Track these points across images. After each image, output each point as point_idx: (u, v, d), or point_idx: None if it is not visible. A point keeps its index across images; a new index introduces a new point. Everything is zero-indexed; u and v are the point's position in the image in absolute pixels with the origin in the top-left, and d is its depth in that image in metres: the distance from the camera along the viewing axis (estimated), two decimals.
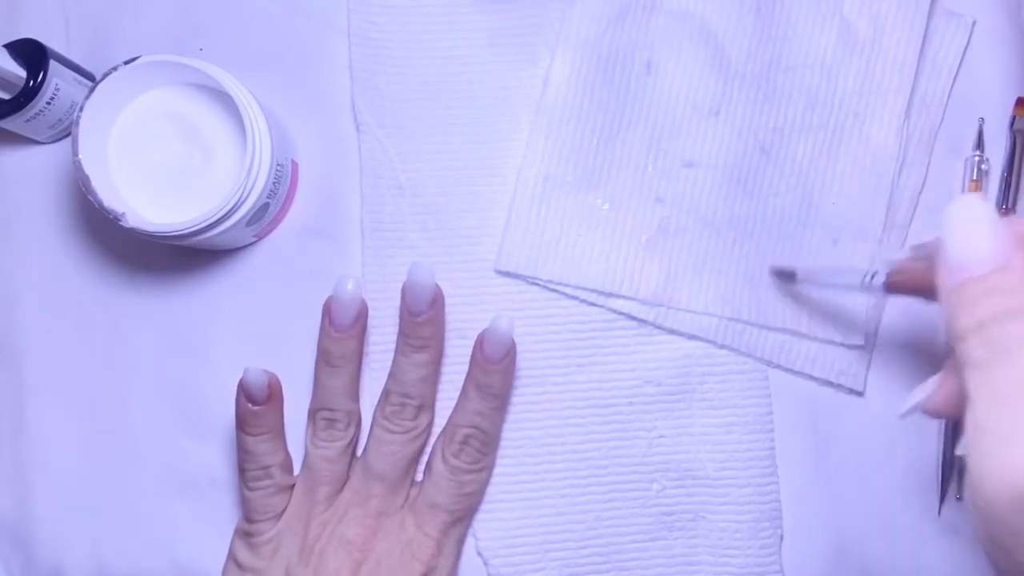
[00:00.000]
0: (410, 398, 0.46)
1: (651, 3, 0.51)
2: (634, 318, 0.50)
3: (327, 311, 0.46)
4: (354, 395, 0.47)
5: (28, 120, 0.48)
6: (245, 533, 0.47)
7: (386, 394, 0.47)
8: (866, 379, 0.50)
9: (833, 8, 0.51)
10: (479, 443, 0.47)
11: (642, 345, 0.50)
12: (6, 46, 0.47)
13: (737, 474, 0.49)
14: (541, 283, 0.50)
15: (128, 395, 0.50)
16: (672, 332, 0.50)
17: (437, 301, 0.46)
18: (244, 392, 0.46)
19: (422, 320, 0.46)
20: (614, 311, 0.50)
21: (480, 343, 0.47)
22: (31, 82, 0.47)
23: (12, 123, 0.48)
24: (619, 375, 0.49)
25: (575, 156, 0.51)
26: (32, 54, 0.47)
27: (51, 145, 0.52)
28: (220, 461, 0.50)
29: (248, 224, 0.47)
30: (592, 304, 0.50)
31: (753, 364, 0.50)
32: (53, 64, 0.48)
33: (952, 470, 0.49)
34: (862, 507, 0.49)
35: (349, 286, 0.46)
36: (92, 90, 0.45)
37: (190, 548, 0.49)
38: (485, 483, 0.48)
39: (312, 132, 0.51)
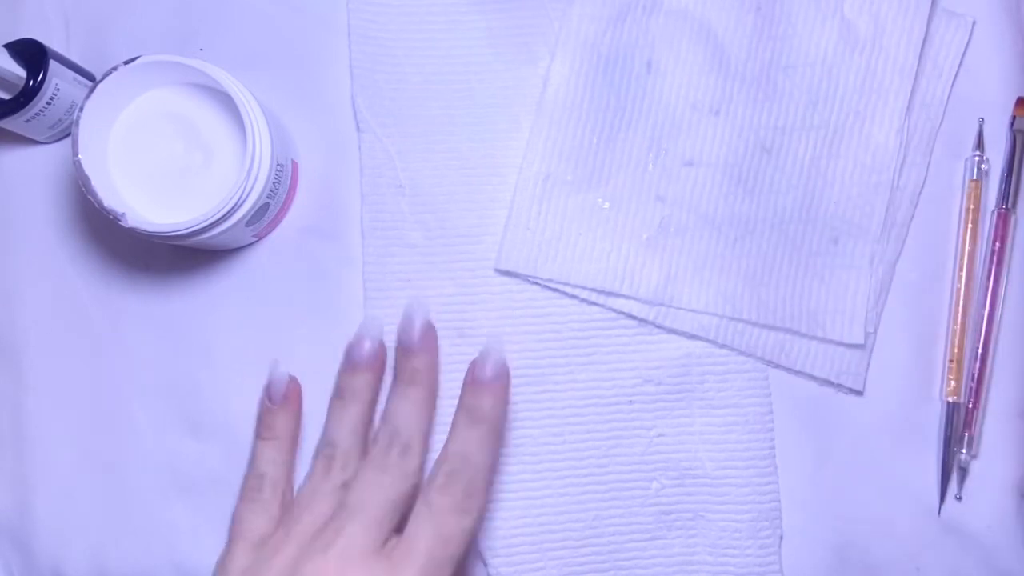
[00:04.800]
0: (399, 434, 0.43)
1: (651, 2, 0.51)
2: (634, 317, 0.50)
3: (347, 348, 0.46)
4: (361, 435, 0.45)
5: (28, 120, 0.48)
6: (229, 544, 0.44)
7: (378, 430, 0.44)
8: (866, 379, 0.50)
9: (833, 7, 0.51)
10: (467, 478, 0.41)
11: (642, 344, 0.50)
12: (6, 46, 0.47)
13: (737, 473, 0.49)
14: (541, 282, 0.50)
15: (128, 395, 0.50)
16: (672, 331, 0.50)
17: (429, 335, 0.46)
18: (265, 388, 0.46)
19: (413, 352, 0.45)
20: (614, 310, 0.50)
21: (471, 365, 0.44)
22: (31, 82, 0.47)
23: (12, 123, 0.48)
24: (619, 374, 0.49)
25: (575, 155, 0.51)
26: (32, 54, 0.47)
27: (51, 145, 0.52)
28: (220, 461, 0.50)
29: (248, 224, 0.47)
30: (592, 303, 0.50)
31: (753, 364, 0.50)
32: (53, 64, 0.48)
33: (952, 470, 0.49)
34: (862, 507, 0.49)
35: (369, 328, 0.46)
36: (92, 90, 0.45)
37: (190, 548, 0.49)
38: (471, 533, 0.42)
39: (312, 132, 0.51)
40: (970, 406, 0.50)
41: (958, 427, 0.50)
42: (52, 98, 0.48)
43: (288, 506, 0.44)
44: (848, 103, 0.51)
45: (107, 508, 0.50)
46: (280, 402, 0.46)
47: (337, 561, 0.40)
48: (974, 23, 0.52)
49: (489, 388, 0.43)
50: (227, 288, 0.51)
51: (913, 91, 0.51)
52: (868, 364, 0.50)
